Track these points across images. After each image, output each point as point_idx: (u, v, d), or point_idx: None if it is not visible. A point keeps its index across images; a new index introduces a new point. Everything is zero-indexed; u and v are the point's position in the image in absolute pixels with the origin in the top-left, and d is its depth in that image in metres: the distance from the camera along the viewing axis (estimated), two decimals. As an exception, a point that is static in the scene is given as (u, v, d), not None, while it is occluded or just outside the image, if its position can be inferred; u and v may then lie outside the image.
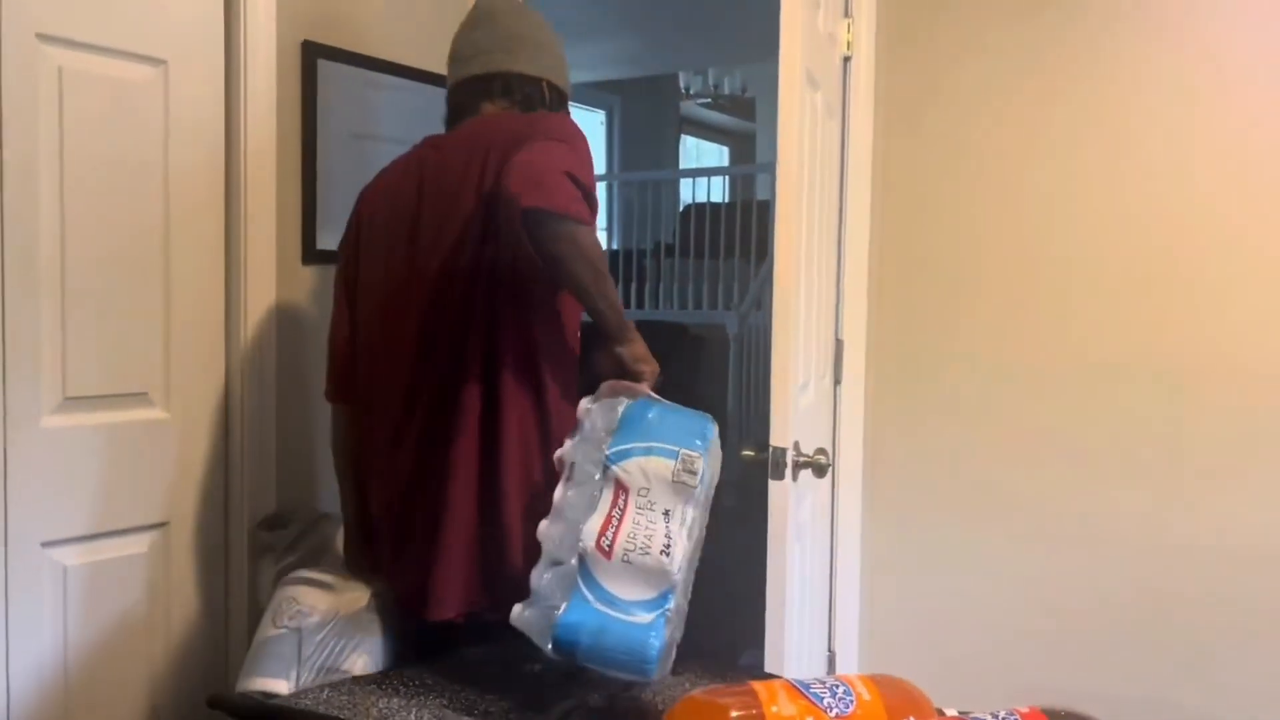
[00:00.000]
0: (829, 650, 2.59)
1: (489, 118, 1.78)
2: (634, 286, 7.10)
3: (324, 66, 2.25)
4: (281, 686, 1.63)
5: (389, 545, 1.74)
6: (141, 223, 1.96)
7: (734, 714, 1.17)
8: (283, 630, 1.69)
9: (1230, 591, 2.25)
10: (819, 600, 2.51)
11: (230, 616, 2.14)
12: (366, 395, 1.80)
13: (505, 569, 1.59)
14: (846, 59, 2.54)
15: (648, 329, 1.89)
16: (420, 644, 1.72)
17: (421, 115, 2.39)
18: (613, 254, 7.62)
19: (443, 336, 1.65)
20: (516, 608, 1.39)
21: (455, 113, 1.85)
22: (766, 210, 6.74)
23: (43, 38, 1.80)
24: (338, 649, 1.66)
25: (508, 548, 1.60)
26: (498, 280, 1.62)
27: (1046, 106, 2.41)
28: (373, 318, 1.78)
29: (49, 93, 1.81)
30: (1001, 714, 1.14)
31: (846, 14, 2.53)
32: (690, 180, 8.49)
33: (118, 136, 1.91)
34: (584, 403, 1.51)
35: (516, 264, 1.58)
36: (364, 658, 1.65)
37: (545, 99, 1.81)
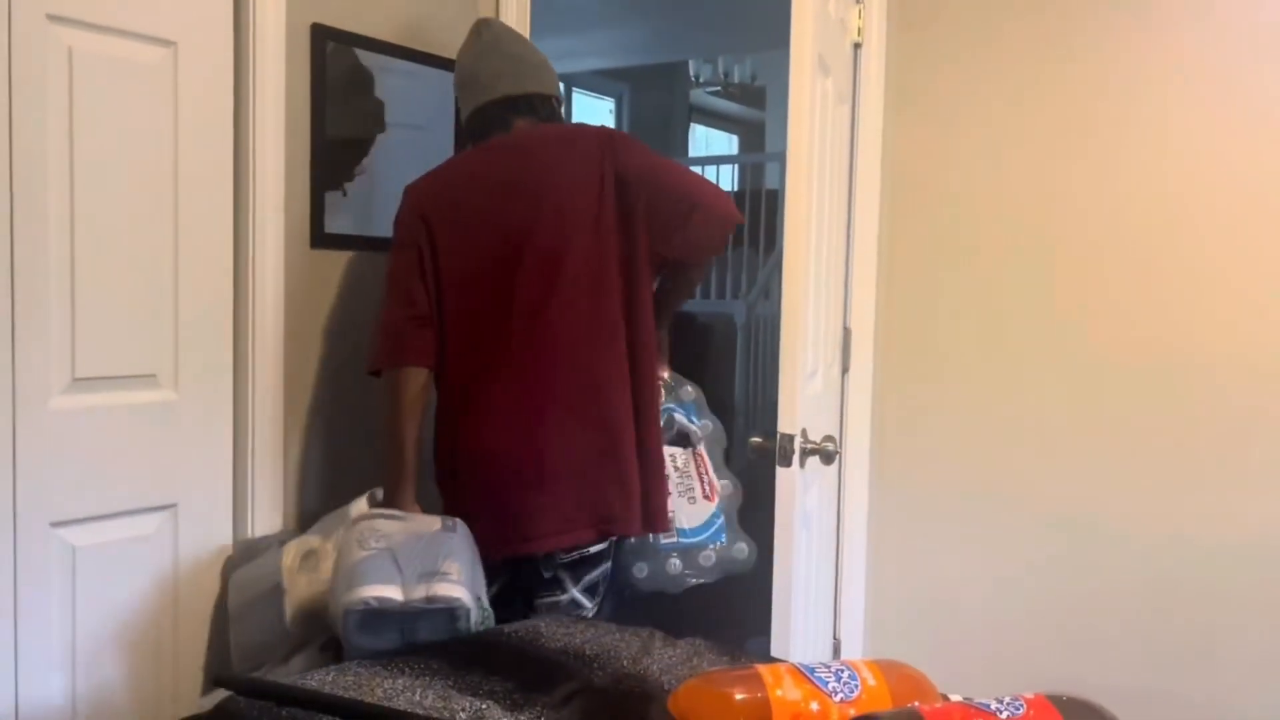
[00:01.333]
0: (834, 638, 2.59)
1: (548, 126, 2.09)
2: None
3: (333, 49, 2.24)
4: (393, 591, 1.64)
5: (533, 480, 1.95)
6: (150, 205, 1.96)
7: (738, 697, 1.17)
8: (373, 550, 1.70)
9: (1233, 582, 2.25)
10: (825, 587, 2.51)
11: (237, 598, 2.14)
12: (470, 357, 2.00)
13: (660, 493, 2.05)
14: (857, 45, 2.53)
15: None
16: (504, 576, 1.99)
17: (429, 99, 2.39)
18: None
19: (585, 298, 1.97)
20: (741, 547, 2.17)
21: (485, 129, 2.10)
22: (775, 200, 6.71)
23: (53, 18, 1.80)
24: (432, 556, 1.68)
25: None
26: (637, 256, 2.00)
27: (1058, 94, 2.40)
28: (484, 289, 2.00)
29: (59, 73, 1.81)
30: (1007, 700, 1.14)
31: (857, 0, 2.51)
32: (699, 168, 8.48)
33: (127, 118, 1.92)
34: (692, 390, 2.19)
35: (669, 247, 2.03)
36: (455, 563, 1.69)
37: (553, 111, 2.12)
